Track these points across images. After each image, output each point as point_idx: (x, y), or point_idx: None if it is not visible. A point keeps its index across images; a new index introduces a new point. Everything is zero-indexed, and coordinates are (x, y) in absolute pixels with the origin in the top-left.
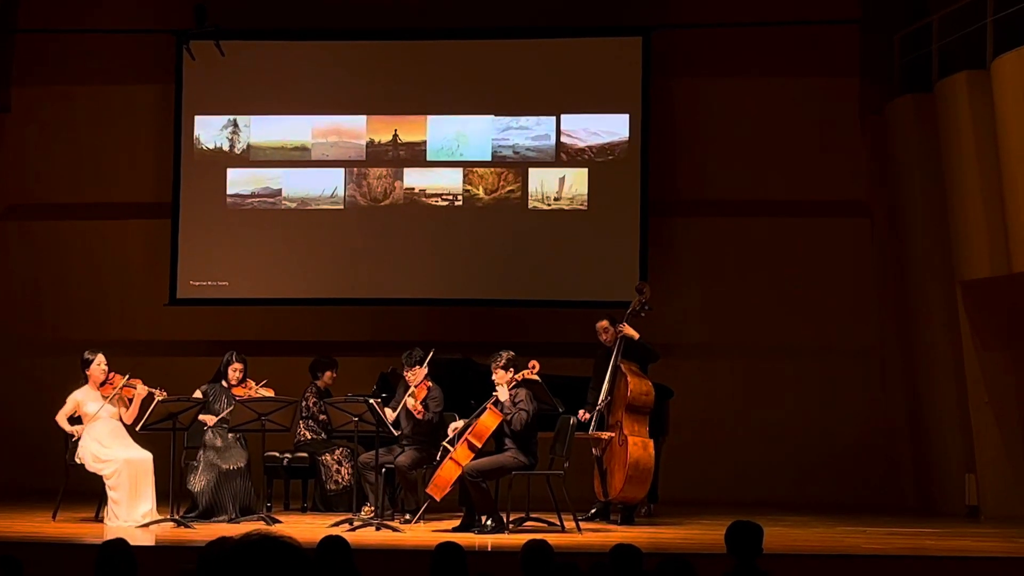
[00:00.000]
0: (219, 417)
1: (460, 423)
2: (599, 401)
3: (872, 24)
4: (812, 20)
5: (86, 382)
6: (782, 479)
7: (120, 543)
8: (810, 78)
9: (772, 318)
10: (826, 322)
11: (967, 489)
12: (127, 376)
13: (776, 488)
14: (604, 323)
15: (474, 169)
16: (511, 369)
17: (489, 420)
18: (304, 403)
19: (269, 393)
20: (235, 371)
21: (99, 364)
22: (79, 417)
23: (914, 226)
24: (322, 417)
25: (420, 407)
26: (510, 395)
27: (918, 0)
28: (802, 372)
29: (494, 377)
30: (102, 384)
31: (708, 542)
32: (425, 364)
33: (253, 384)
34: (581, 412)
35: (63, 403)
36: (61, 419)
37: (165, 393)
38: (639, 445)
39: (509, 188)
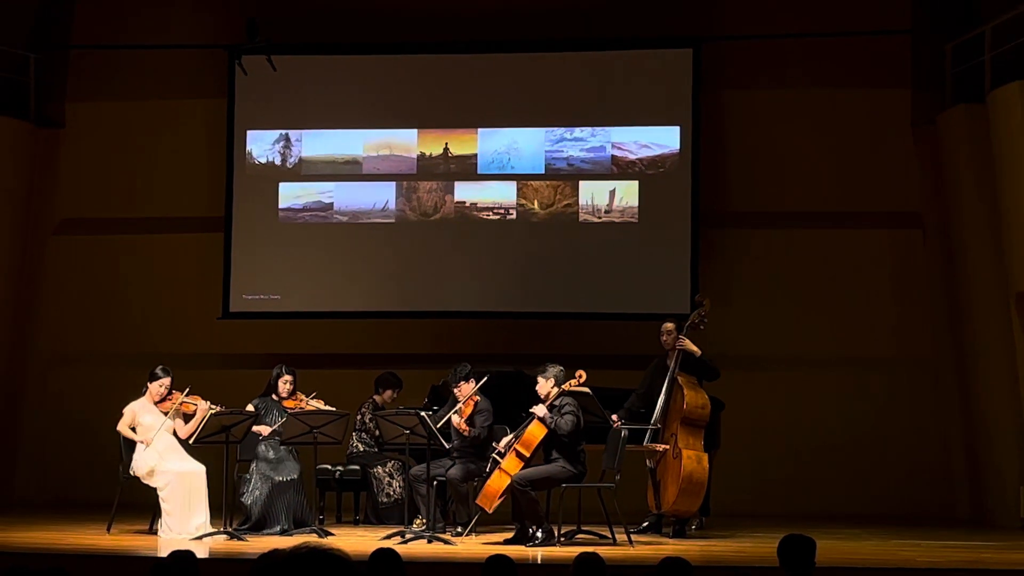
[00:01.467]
0: (272, 428)
1: (510, 437)
2: (653, 414)
3: (924, 34)
4: (863, 31)
5: (143, 394)
6: (835, 492)
7: (187, 555)
8: (861, 89)
9: (824, 330)
10: (879, 334)
11: (1022, 502)
12: (186, 390)
13: (829, 501)
14: (670, 325)
15: (529, 183)
16: (552, 380)
17: (537, 430)
18: (360, 416)
19: (320, 404)
20: (285, 384)
21: (161, 386)
22: (133, 428)
23: (967, 237)
24: (376, 432)
25: (465, 425)
26: (556, 404)
27: (970, 9)
28: (855, 384)
29: (537, 387)
30: (159, 401)
31: (760, 556)
32: (472, 379)
33: (303, 396)
34: (614, 417)
35: (117, 415)
36: (124, 429)
37: (224, 408)
38: (693, 458)
39: (566, 202)
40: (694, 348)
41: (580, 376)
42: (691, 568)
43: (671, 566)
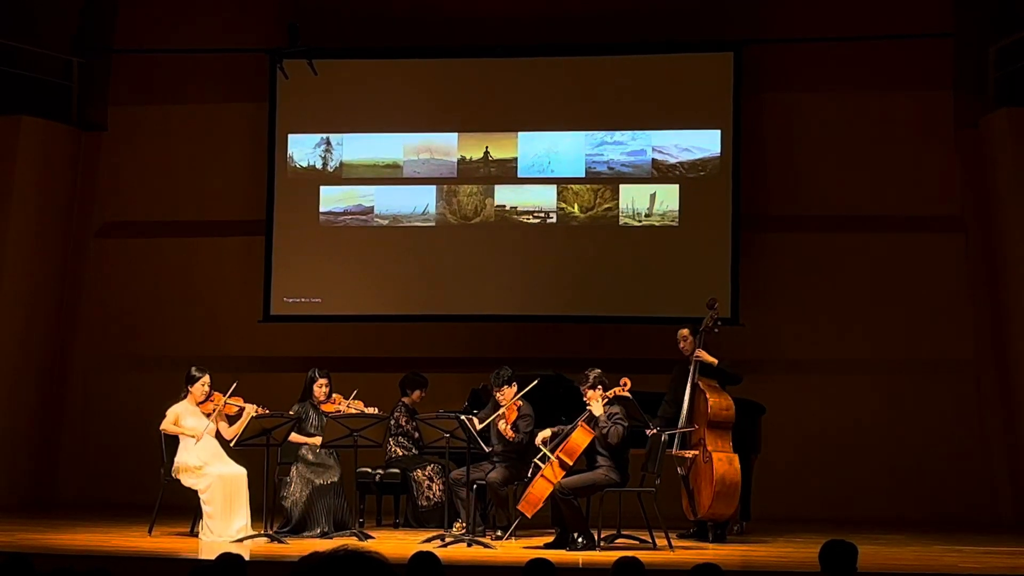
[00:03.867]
0: (320, 442)
1: (547, 432)
2: (679, 421)
3: (966, 37)
4: (905, 34)
5: (185, 396)
6: (876, 496)
7: (235, 559)
8: (903, 92)
9: (865, 333)
10: (920, 337)
11: None
12: (230, 391)
13: (870, 506)
14: (685, 331)
15: (569, 186)
16: (600, 387)
17: (580, 438)
18: (394, 420)
19: (359, 405)
20: (320, 387)
21: (203, 385)
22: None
23: (1010, 240)
24: (416, 435)
25: (511, 431)
26: (605, 411)
27: (1013, 13)
28: (896, 388)
29: (585, 398)
30: (201, 402)
31: (801, 561)
32: (514, 384)
33: (341, 399)
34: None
35: (160, 418)
36: (169, 427)
37: (267, 411)
38: (724, 460)
39: (606, 206)
40: (711, 359)
41: (625, 384)
42: (723, 574)
43: (702, 573)
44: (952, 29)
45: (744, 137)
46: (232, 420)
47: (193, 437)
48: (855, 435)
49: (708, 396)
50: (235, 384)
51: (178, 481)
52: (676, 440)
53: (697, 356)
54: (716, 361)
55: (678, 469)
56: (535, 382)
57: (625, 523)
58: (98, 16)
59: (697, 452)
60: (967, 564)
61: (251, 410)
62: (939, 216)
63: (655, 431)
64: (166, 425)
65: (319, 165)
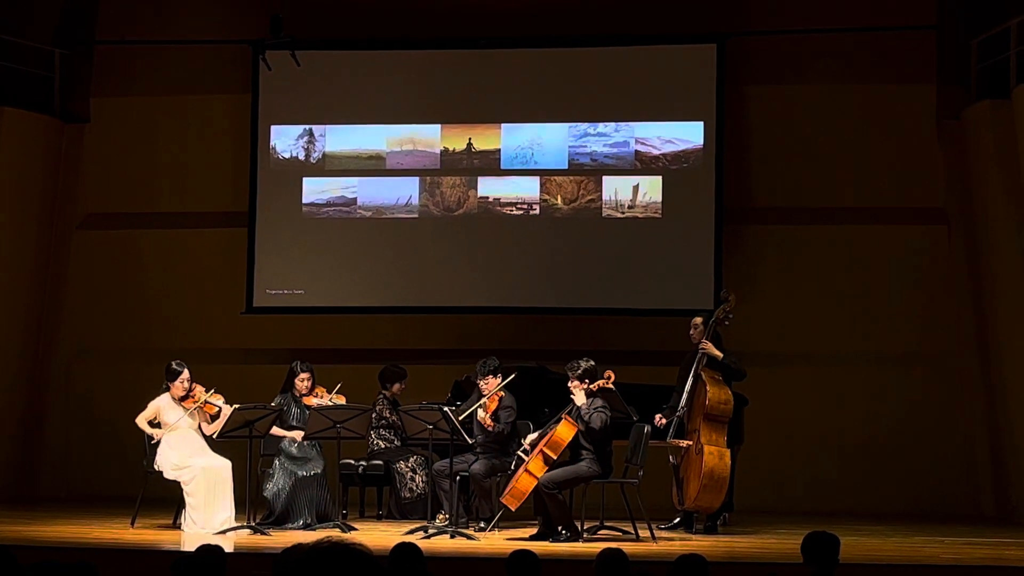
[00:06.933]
0: (304, 435)
1: (535, 435)
2: (679, 408)
3: (949, 29)
4: (888, 26)
5: (167, 390)
6: (859, 488)
7: (215, 549)
8: (886, 84)
9: (848, 326)
10: (903, 329)
11: None
12: (211, 390)
13: (852, 497)
14: (698, 320)
15: (552, 177)
16: (586, 380)
17: (565, 432)
18: (376, 412)
19: (341, 400)
20: (302, 381)
21: (182, 381)
22: (158, 423)
23: (992, 232)
24: (399, 425)
25: (490, 420)
26: (587, 402)
27: (996, 5)
28: (879, 380)
29: (570, 385)
30: (183, 398)
31: (784, 552)
32: (499, 375)
33: (324, 391)
34: (657, 417)
35: (141, 410)
36: (141, 422)
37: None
38: (715, 454)
39: (589, 197)
40: (715, 352)
41: (609, 376)
42: (707, 565)
43: (688, 563)
44: (935, 21)
45: (727, 129)
46: (213, 419)
47: (154, 436)
48: (837, 427)
49: (708, 388)
50: (213, 389)
51: (160, 473)
52: (672, 428)
53: (702, 348)
54: (721, 355)
55: (670, 458)
56: (512, 376)
57: (608, 515)
58: (80, 7)
59: (690, 442)
60: (948, 555)
61: (228, 410)
62: (922, 208)
63: (662, 423)
64: (140, 420)
65: (302, 156)
